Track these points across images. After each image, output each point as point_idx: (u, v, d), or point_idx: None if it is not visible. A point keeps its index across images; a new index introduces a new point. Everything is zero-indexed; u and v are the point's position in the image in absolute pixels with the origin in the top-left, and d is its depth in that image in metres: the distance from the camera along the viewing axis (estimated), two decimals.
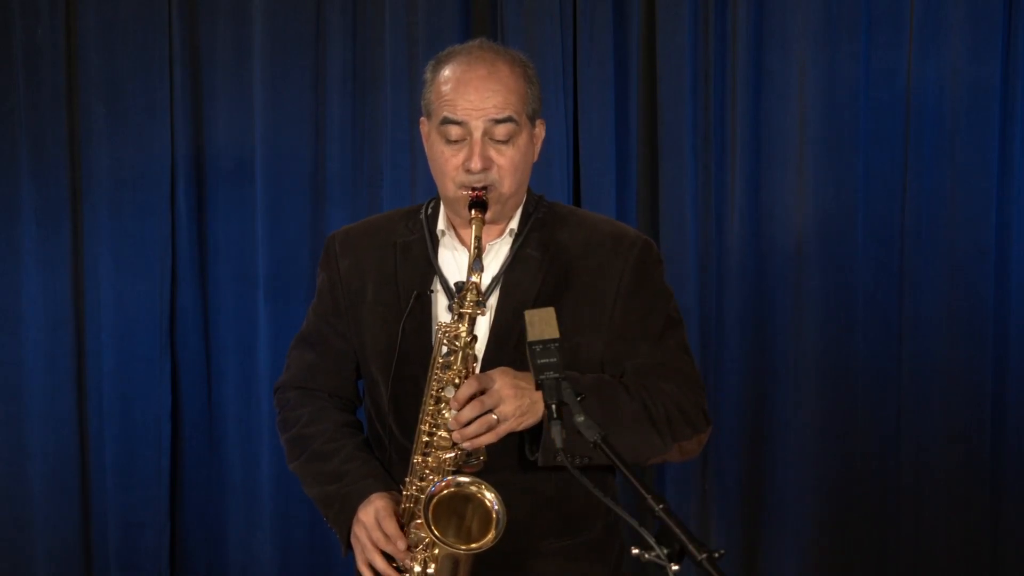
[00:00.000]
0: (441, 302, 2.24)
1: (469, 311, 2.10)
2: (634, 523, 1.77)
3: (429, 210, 2.33)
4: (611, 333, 2.23)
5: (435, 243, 2.28)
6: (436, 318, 2.24)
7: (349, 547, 2.25)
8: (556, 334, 1.95)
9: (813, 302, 3.71)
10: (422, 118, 2.27)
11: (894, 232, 3.70)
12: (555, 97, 3.74)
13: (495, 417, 2.06)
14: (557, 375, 1.91)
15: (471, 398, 2.07)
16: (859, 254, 3.70)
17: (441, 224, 2.29)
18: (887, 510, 3.75)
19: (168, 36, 3.92)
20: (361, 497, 2.21)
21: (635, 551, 1.78)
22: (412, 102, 3.77)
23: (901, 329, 3.71)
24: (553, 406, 1.89)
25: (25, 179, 3.94)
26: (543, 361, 1.93)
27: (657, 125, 3.77)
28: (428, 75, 2.25)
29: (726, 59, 3.72)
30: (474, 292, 2.10)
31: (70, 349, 4.00)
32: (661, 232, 3.78)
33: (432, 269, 2.26)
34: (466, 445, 2.09)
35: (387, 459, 2.31)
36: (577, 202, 3.81)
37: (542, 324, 1.97)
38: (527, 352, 1.94)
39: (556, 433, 1.87)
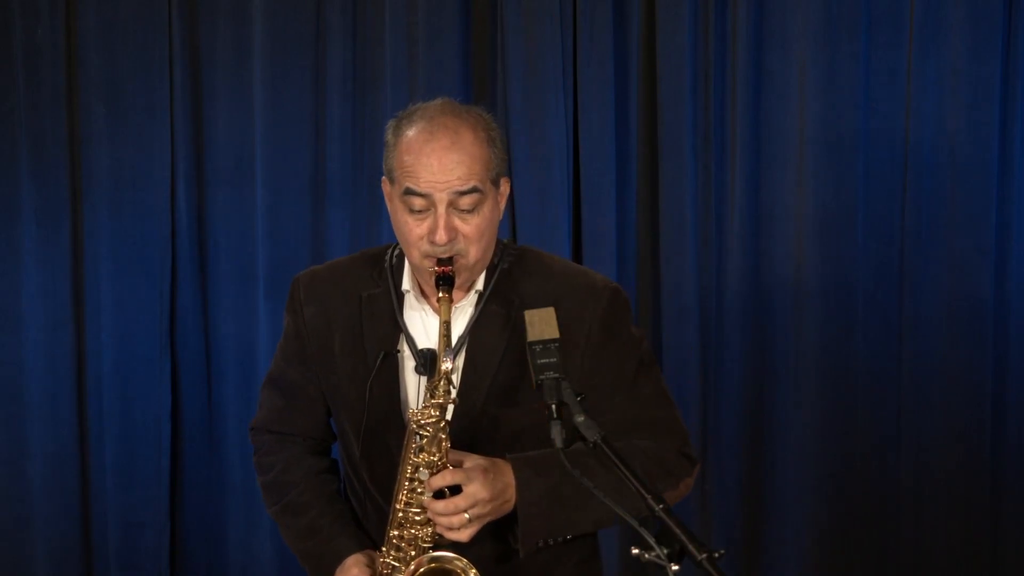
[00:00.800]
0: (408, 364, 2.21)
1: (441, 401, 2.05)
2: (634, 523, 1.77)
3: (394, 259, 2.27)
4: (581, 385, 2.13)
5: (400, 299, 2.24)
6: (403, 379, 2.21)
7: None
8: (556, 334, 1.95)
9: (813, 302, 3.71)
10: (384, 178, 2.21)
11: (894, 232, 3.70)
12: (555, 97, 3.75)
13: (467, 517, 2.04)
14: (557, 375, 1.90)
15: (447, 488, 2.05)
16: (859, 254, 3.70)
17: (406, 283, 2.23)
18: (887, 510, 3.75)
19: (168, 36, 3.91)
20: (336, 559, 2.21)
21: (635, 551, 1.77)
22: (412, 102, 3.75)
23: (901, 329, 3.71)
24: (553, 406, 1.89)
25: (25, 179, 3.94)
26: (543, 361, 1.92)
27: (657, 125, 3.77)
28: (389, 137, 2.19)
29: (726, 59, 3.72)
30: (446, 382, 2.05)
31: (70, 349, 4.00)
32: (661, 232, 3.78)
33: (398, 328, 2.22)
34: (440, 531, 2.08)
35: (362, 510, 2.30)
36: (577, 202, 3.81)
37: (542, 324, 1.96)
38: (527, 352, 1.94)
39: (556, 433, 1.87)
